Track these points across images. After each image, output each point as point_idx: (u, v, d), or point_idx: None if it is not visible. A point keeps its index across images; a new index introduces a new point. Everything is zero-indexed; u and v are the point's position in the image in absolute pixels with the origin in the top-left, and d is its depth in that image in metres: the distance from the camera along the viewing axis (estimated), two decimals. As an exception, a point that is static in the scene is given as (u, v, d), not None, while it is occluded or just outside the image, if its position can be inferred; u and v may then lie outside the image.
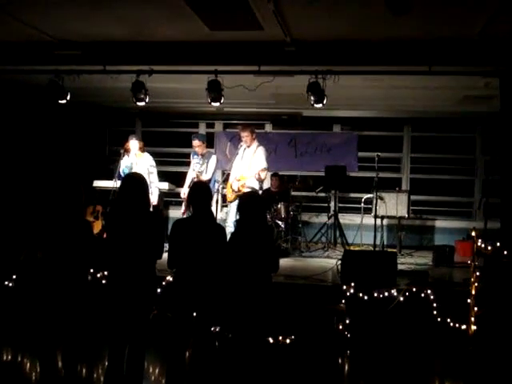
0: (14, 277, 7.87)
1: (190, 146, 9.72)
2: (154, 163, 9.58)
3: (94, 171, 11.82)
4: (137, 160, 9.44)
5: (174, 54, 8.11)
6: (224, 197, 10.02)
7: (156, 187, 9.45)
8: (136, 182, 4.97)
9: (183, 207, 9.47)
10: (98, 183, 10.63)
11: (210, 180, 9.15)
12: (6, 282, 7.86)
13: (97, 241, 5.79)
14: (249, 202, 5.35)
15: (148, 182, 9.00)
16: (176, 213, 10.73)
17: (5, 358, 6.57)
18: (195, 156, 9.61)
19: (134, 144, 9.47)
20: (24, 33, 7.70)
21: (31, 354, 6.38)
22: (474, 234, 6.86)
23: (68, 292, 4.99)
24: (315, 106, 8.16)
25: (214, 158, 9.55)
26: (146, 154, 9.61)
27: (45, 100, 9.12)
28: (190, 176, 9.62)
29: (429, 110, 11.76)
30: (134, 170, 9.13)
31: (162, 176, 10.12)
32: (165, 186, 10.15)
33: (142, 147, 9.56)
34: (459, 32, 7.27)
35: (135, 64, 8.25)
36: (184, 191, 9.54)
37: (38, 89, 8.98)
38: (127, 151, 9.53)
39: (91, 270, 7.12)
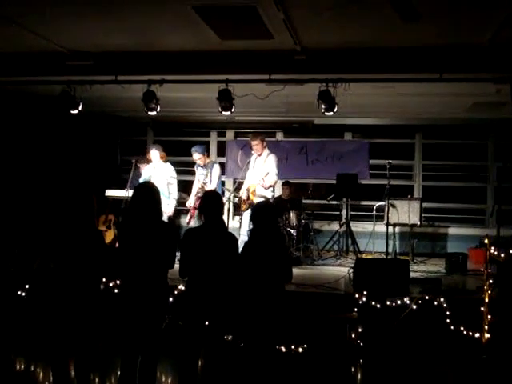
0: (27, 286, 7.91)
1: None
2: (174, 174, 9.60)
3: (106, 181, 11.87)
4: (155, 172, 9.47)
5: (185, 64, 8.14)
6: (236, 205, 10.03)
7: (174, 199, 9.46)
8: (148, 192, 4.99)
9: (188, 217, 9.50)
10: (110, 192, 10.67)
11: (215, 189, 9.15)
12: (19, 292, 7.90)
13: (109, 250, 5.79)
14: (261, 211, 5.35)
15: (167, 193, 9.19)
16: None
17: (18, 367, 6.60)
18: (199, 167, 9.64)
19: (154, 154, 9.52)
20: (36, 44, 7.75)
21: (44, 363, 6.40)
22: (486, 241, 6.83)
23: (80, 301, 5.01)
24: (326, 114, 8.16)
25: (216, 167, 9.56)
26: (168, 165, 9.64)
27: (57, 110, 9.17)
28: (196, 187, 9.66)
29: (440, 117, 11.74)
30: (152, 179, 9.21)
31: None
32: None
33: (163, 157, 9.59)
34: (470, 39, 7.25)
35: (146, 74, 8.28)
36: (190, 202, 9.57)
37: (50, 99, 9.03)
38: (148, 161, 9.62)
39: (104, 280, 7.14)
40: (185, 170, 11.45)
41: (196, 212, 9.31)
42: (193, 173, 9.97)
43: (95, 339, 5.29)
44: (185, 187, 10.62)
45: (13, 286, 7.94)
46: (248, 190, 9.26)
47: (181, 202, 9.86)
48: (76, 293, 4.99)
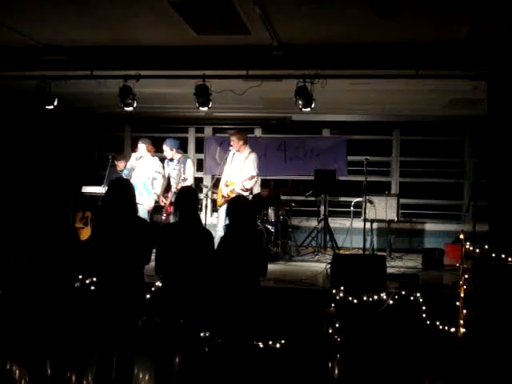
0: (1, 283, 7.82)
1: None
2: (160, 169, 9.50)
3: (82, 177, 11.78)
4: (140, 163, 9.41)
5: (162, 59, 8.08)
6: (214, 202, 10.00)
7: (155, 193, 9.38)
8: (123, 187, 4.95)
9: (164, 214, 9.44)
10: (87, 189, 10.61)
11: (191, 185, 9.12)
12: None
13: (85, 247, 5.76)
14: (237, 205, 5.32)
15: (150, 188, 9.12)
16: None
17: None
18: (169, 162, 9.60)
19: (140, 147, 9.45)
20: (9, 38, 7.64)
21: (19, 361, 6.32)
22: (462, 236, 6.88)
23: (55, 298, 4.97)
24: (303, 110, 8.15)
25: (189, 162, 9.48)
26: (155, 159, 9.55)
27: (32, 106, 9.06)
28: (165, 183, 9.61)
29: (417, 114, 11.83)
30: (134, 173, 9.15)
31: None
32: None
33: (151, 150, 9.53)
34: (446, 35, 7.28)
35: (122, 69, 8.21)
36: (162, 198, 9.49)
37: (25, 94, 8.92)
38: (124, 158, 9.56)
39: (80, 277, 7.08)
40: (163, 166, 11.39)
41: (172, 208, 9.27)
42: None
43: (71, 336, 5.25)
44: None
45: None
46: (227, 186, 9.21)
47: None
48: (50, 290, 4.95)
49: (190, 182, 9.29)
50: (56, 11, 6.69)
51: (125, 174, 9.27)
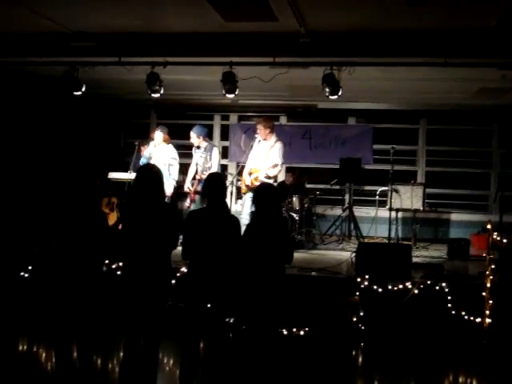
0: (30, 268, 7.94)
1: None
2: (176, 156, 9.56)
3: (109, 163, 11.86)
4: (156, 151, 9.46)
5: (189, 46, 8.08)
6: (238, 189, 10.02)
7: (173, 179, 9.44)
8: (151, 174, 4.98)
9: (188, 200, 9.48)
10: (113, 175, 10.68)
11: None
12: (22, 273, 7.93)
13: (112, 232, 5.80)
14: (264, 193, 5.34)
15: (167, 174, 9.18)
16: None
17: (20, 348, 6.63)
18: (197, 150, 9.62)
19: (157, 135, 9.52)
20: (39, 25, 7.71)
21: (47, 344, 6.43)
22: (489, 226, 6.83)
23: (83, 283, 5.02)
24: (330, 97, 8.11)
25: (215, 151, 9.49)
26: (170, 146, 9.62)
27: (60, 92, 9.15)
28: (193, 170, 9.63)
29: (445, 103, 11.70)
30: (151, 161, 9.19)
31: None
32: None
33: (166, 139, 9.58)
34: (476, 23, 7.17)
35: (150, 55, 8.23)
36: (188, 185, 9.54)
37: (53, 81, 9.00)
38: (147, 142, 9.62)
39: (106, 261, 7.16)
40: (188, 153, 11.42)
41: (196, 196, 9.32)
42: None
43: (98, 321, 5.31)
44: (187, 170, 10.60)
45: (15, 267, 7.97)
46: (250, 174, 9.22)
47: (180, 186, 9.83)
48: (78, 275, 5.00)
49: (214, 170, 9.29)
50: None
51: (143, 162, 9.33)
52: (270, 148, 9.22)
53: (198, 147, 9.53)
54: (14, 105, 10.48)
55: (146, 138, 10.51)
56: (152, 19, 7.51)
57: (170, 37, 8.06)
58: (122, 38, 8.19)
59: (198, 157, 9.54)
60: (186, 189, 9.60)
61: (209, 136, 10.16)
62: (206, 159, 9.35)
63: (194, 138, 9.46)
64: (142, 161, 9.46)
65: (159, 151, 9.50)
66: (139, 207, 4.86)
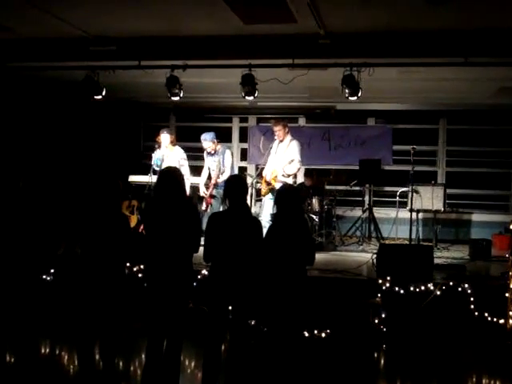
0: (52, 271, 8.00)
1: (224, 140, 9.73)
2: (185, 156, 9.58)
3: (129, 166, 11.92)
4: (168, 153, 9.50)
5: (208, 49, 8.12)
6: (258, 191, 10.02)
7: (187, 179, 9.44)
8: (173, 176, 5.00)
9: (204, 205, 9.50)
10: (133, 178, 10.73)
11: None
12: (45, 276, 8.00)
13: (133, 235, 5.83)
14: (286, 194, 5.34)
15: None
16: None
17: (43, 350, 6.68)
18: (209, 155, 9.65)
19: (164, 137, 9.54)
20: (60, 29, 7.79)
21: (70, 347, 6.47)
22: (511, 227, 6.77)
23: (106, 286, 5.04)
24: (350, 98, 8.10)
25: (228, 153, 9.53)
26: (177, 148, 9.63)
27: (81, 96, 9.22)
28: (205, 174, 9.66)
29: (465, 103, 11.61)
30: (165, 163, 9.24)
31: (195, 171, 10.15)
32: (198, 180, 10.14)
33: (173, 141, 9.61)
34: (496, 22, 7.12)
35: (169, 59, 8.29)
36: (203, 189, 9.56)
37: (74, 85, 9.07)
38: (159, 145, 9.64)
39: (128, 264, 7.19)
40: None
41: (213, 200, 9.35)
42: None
43: (120, 323, 5.33)
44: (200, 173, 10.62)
45: (38, 270, 8.04)
46: (272, 174, 9.23)
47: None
48: (101, 277, 5.03)
49: (227, 173, 9.32)
50: (106, 2, 6.79)
51: (157, 165, 9.35)
52: (286, 147, 9.25)
53: (215, 152, 9.56)
54: (37, 110, 10.60)
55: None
56: (171, 23, 7.55)
57: (189, 40, 8.11)
58: (141, 41, 8.25)
59: (210, 161, 9.56)
60: (201, 193, 9.63)
61: (227, 138, 10.16)
62: (218, 162, 9.37)
63: (210, 144, 9.48)
64: (156, 162, 9.44)
65: (171, 153, 9.52)
66: (161, 210, 4.88)
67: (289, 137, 9.34)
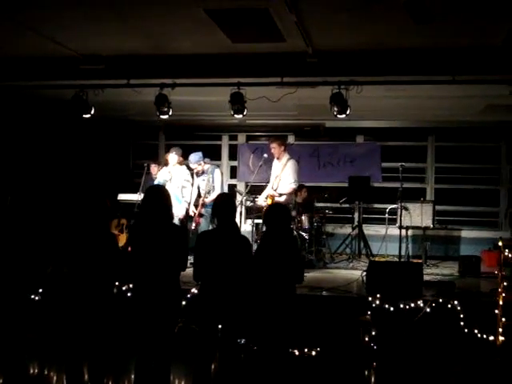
0: (41, 290, 7.94)
1: (213, 158, 9.75)
2: (189, 178, 9.59)
3: (118, 185, 11.90)
4: (173, 173, 9.50)
5: (197, 67, 8.14)
6: (248, 209, 10.02)
7: (185, 201, 9.43)
8: (158, 194, 4.99)
9: (193, 224, 9.48)
10: (122, 196, 10.72)
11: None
12: (33, 296, 7.93)
13: (122, 254, 5.81)
14: (274, 212, 5.34)
15: (180, 197, 9.21)
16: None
17: (32, 371, 6.61)
18: (201, 175, 9.67)
19: (172, 158, 9.58)
20: (48, 48, 7.79)
21: (58, 367, 6.41)
22: (500, 243, 6.80)
23: (94, 305, 5.01)
24: (338, 116, 8.12)
25: (217, 172, 9.59)
26: (183, 168, 9.65)
27: (70, 114, 9.19)
28: (195, 193, 9.67)
29: (453, 120, 11.70)
30: (168, 183, 9.25)
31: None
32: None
33: (181, 162, 9.62)
34: (483, 40, 7.21)
35: (158, 77, 8.30)
36: (192, 209, 9.55)
37: (62, 103, 9.06)
38: (159, 163, 9.65)
39: (117, 283, 7.15)
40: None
41: (201, 219, 9.34)
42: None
43: (109, 342, 5.29)
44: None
45: (26, 289, 7.97)
46: (267, 198, 9.28)
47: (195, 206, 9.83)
48: (89, 296, 5.00)
49: (217, 192, 9.29)
50: (95, 22, 6.81)
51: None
52: (282, 167, 9.28)
53: (202, 172, 9.57)
54: (24, 128, 10.57)
55: (155, 159, 10.54)
56: (160, 41, 7.58)
57: (178, 58, 8.14)
58: (130, 60, 8.27)
59: (200, 180, 9.56)
60: (190, 212, 9.61)
61: (216, 156, 10.18)
62: (208, 181, 9.37)
63: (196, 166, 9.50)
64: (159, 182, 9.45)
65: (174, 174, 9.51)
66: (147, 228, 4.87)
67: (286, 156, 9.39)
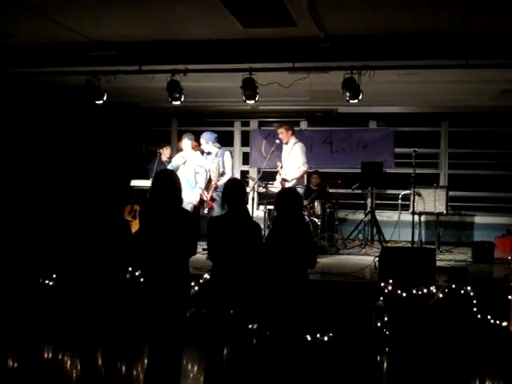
0: (54, 276, 8.00)
1: (226, 144, 9.73)
2: (203, 163, 9.48)
3: (131, 171, 11.92)
4: (187, 158, 9.49)
5: (209, 53, 8.12)
6: (260, 195, 10.01)
7: (199, 188, 9.42)
8: (167, 179, 4.98)
9: (206, 209, 9.48)
10: (135, 183, 10.74)
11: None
12: (47, 281, 8.00)
13: (135, 240, 5.83)
14: (285, 197, 5.33)
15: (193, 183, 9.19)
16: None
17: (46, 355, 6.68)
18: (207, 156, 9.61)
19: (185, 143, 9.51)
20: (60, 35, 7.79)
21: (72, 351, 6.47)
22: (514, 229, 6.76)
23: (107, 290, 5.03)
24: (351, 101, 8.10)
25: (227, 155, 9.51)
26: (197, 153, 9.58)
27: (82, 101, 9.22)
28: (204, 177, 9.59)
29: (466, 105, 11.58)
30: (181, 167, 9.27)
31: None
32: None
33: (194, 146, 9.58)
34: (497, 23, 7.11)
35: (170, 63, 8.28)
36: (204, 193, 9.53)
37: (75, 90, 9.08)
38: (168, 145, 9.65)
39: (130, 269, 7.18)
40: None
41: (214, 204, 9.33)
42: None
43: (122, 328, 5.32)
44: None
45: (39, 274, 8.04)
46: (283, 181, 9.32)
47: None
48: (103, 282, 5.02)
49: (228, 175, 9.32)
50: (106, 8, 6.78)
51: (173, 167, 9.34)
52: (290, 151, 9.28)
53: (209, 153, 9.54)
54: (37, 115, 10.61)
55: (168, 144, 10.57)
56: (171, 27, 7.55)
57: (189, 44, 8.11)
58: (142, 46, 8.25)
59: (209, 163, 9.53)
60: (203, 197, 9.61)
61: (228, 142, 10.17)
62: (218, 164, 9.34)
63: (204, 144, 9.45)
64: (173, 165, 9.43)
65: (190, 158, 9.49)
66: (157, 213, 4.87)
67: (293, 140, 9.39)
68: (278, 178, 9.50)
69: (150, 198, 5.10)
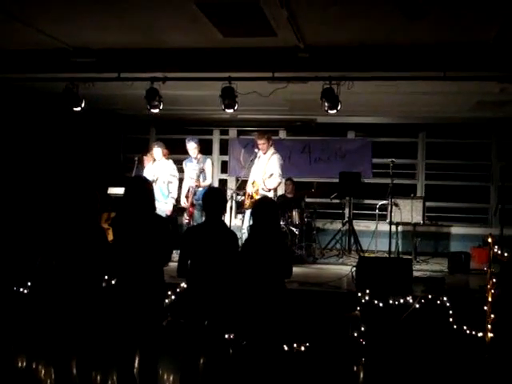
0: (29, 284, 7.91)
1: (205, 152, 9.72)
2: (175, 172, 9.46)
3: (108, 178, 11.86)
4: (159, 169, 9.45)
5: (188, 61, 8.11)
6: (238, 203, 10.00)
7: (172, 198, 9.37)
8: (139, 186, 4.95)
9: (187, 216, 9.45)
10: (112, 190, 10.67)
11: (210, 185, 9.31)
12: (21, 289, 7.90)
13: (111, 248, 5.79)
14: (262, 207, 5.31)
15: (166, 192, 9.16)
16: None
17: (19, 365, 6.58)
18: (189, 162, 9.61)
19: (156, 152, 9.49)
20: (39, 41, 7.74)
21: (46, 361, 6.39)
22: (490, 240, 6.81)
23: (82, 299, 4.98)
24: (329, 112, 8.12)
25: (209, 162, 9.56)
26: (170, 162, 9.54)
27: (60, 107, 9.16)
28: (187, 184, 9.59)
29: (443, 116, 11.70)
30: (154, 178, 9.21)
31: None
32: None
33: (165, 154, 9.55)
34: (474, 36, 7.20)
35: (149, 71, 8.26)
36: (184, 200, 9.50)
37: (53, 96, 9.02)
38: (153, 160, 9.62)
39: (106, 277, 7.12)
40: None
41: (194, 211, 9.30)
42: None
43: (97, 337, 5.27)
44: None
45: (14, 282, 7.94)
46: (253, 185, 9.25)
47: (177, 201, 9.77)
48: (77, 290, 4.97)
49: (209, 181, 9.40)
50: (86, 15, 6.77)
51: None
52: (267, 161, 9.27)
53: (191, 160, 9.52)
54: (14, 120, 10.49)
55: (146, 153, 10.54)
56: (151, 35, 7.53)
57: (169, 52, 8.10)
58: (121, 53, 8.22)
59: (190, 170, 9.50)
60: (182, 204, 9.58)
61: (207, 150, 10.19)
62: (198, 171, 9.34)
63: (192, 149, 9.46)
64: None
65: (160, 169, 9.44)
66: (130, 220, 4.83)
67: (271, 150, 9.36)
68: (250, 188, 9.38)
69: (122, 204, 5.03)
